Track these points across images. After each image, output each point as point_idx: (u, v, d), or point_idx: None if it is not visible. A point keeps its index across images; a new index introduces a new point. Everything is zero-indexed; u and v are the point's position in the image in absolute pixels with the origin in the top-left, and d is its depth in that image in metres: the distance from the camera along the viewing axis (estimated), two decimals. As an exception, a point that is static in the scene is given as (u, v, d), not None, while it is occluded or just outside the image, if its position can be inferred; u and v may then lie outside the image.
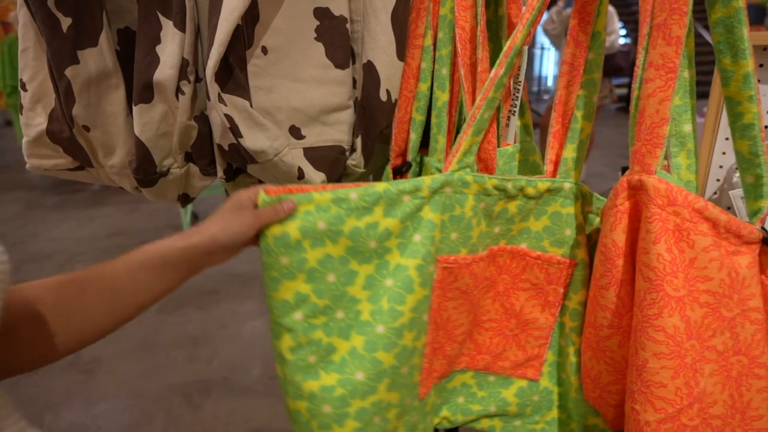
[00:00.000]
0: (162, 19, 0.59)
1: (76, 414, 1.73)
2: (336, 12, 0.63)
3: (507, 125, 0.67)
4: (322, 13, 0.63)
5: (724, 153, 0.81)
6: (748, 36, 0.47)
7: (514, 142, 0.69)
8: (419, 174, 0.70)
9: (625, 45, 3.83)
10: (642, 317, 0.48)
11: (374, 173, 0.83)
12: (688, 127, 0.56)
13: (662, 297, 0.46)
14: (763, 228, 0.49)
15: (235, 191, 0.55)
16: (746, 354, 0.48)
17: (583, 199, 0.59)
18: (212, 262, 0.50)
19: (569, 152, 0.60)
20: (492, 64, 0.58)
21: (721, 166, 0.81)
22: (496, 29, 0.68)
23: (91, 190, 4.34)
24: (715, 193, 0.83)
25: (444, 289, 0.58)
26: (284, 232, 0.50)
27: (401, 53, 0.66)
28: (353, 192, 0.51)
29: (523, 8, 0.70)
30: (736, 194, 0.72)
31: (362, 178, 0.73)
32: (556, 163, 0.62)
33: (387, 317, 0.54)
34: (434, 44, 0.65)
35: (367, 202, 0.52)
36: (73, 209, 3.92)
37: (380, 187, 0.52)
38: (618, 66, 3.53)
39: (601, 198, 0.59)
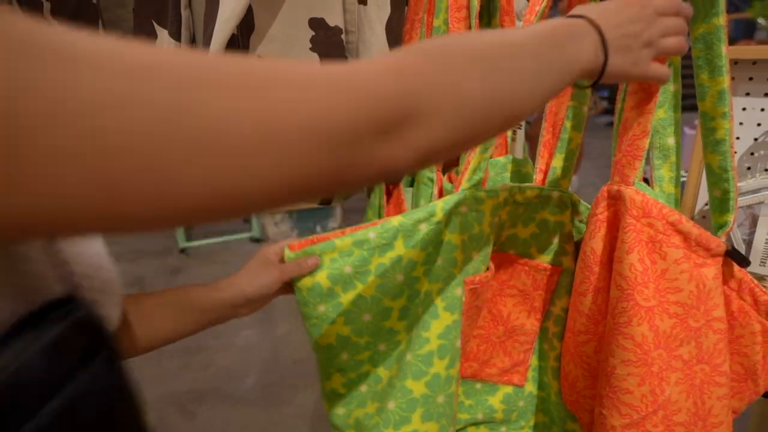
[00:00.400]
0: (157, 27, 0.60)
1: (68, 423, 1.72)
2: (331, 23, 0.64)
3: (514, 139, 0.68)
4: (317, 24, 0.64)
5: (715, 164, 0.81)
6: (726, 53, 0.48)
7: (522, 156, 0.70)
8: (412, 183, 0.71)
9: None
10: (613, 324, 0.48)
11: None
12: (672, 141, 0.57)
13: (632, 306, 0.47)
14: (727, 240, 0.50)
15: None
16: (708, 363, 0.49)
17: (572, 207, 0.60)
18: (239, 314, 0.53)
19: (558, 161, 0.61)
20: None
21: (712, 177, 0.82)
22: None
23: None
24: (706, 204, 0.84)
25: (469, 311, 0.58)
26: (315, 283, 0.52)
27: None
28: (371, 232, 0.52)
29: (517, 22, 0.71)
30: (727, 205, 0.73)
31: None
32: (546, 172, 0.62)
33: (414, 345, 0.54)
34: (428, 55, 0.66)
35: (385, 238, 0.52)
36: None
37: (395, 221, 0.53)
38: None
39: (590, 207, 0.60)
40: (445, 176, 0.69)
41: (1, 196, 0.16)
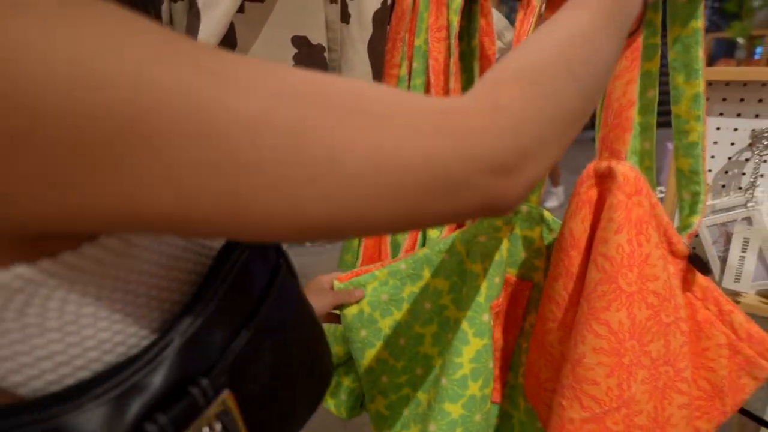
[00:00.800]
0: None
1: None
2: (314, 41, 0.65)
3: None
4: (299, 42, 0.64)
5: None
6: (703, 57, 0.48)
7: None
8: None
9: None
10: (588, 309, 0.46)
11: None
12: (647, 145, 0.57)
13: (614, 290, 0.44)
14: (690, 246, 0.50)
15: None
16: (673, 365, 0.47)
17: (544, 223, 0.60)
18: None
19: None
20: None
21: (688, 195, 0.84)
22: (469, 60, 0.70)
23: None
24: (683, 220, 0.86)
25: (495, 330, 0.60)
26: (360, 310, 0.59)
27: (378, 81, 0.68)
28: (403, 263, 0.58)
29: (498, 42, 0.73)
30: (703, 222, 0.74)
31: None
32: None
33: (448, 370, 0.56)
34: (409, 74, 0.67)
35: (414, 268, 0.58)
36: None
37: (422, 252, 0.58)
38: None
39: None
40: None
41: (158, 196, 0.17)
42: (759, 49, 3.70)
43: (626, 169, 0.44)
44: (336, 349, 0.70)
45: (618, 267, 0.44)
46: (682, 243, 0.48)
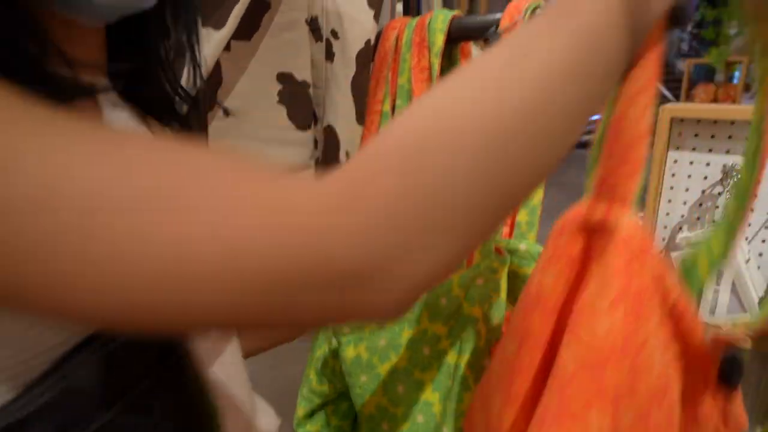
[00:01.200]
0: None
1: None
2: (299, 77, 0.66)
3: None
4: (285, 78, 0.66)
5: (668, 214, 0.85)
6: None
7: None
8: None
9: None
10: (560, 408, 0.34)
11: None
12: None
13: (597, 390, 0.33)
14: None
15: None
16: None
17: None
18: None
19: (522, 216, 0.63)
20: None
21: (665, 226, 0.86)
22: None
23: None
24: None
25: None
26: (357, 354, 0.58)
27: (360, 118, 0.69)
28: None
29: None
30: (677, 256, 0.76)
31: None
32: (512, 226, 0.64)
33: (449, 418, 0.55)
34: (392, 110, 0.68)
35: (413, 312, 0.56)
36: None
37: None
38: None
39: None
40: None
41: None
42: (736, 74, 3.82)
43: (632, 223, 0.33)
44: (322, 387, 0.69)
45: (605, 359, 0.33)
46: (700, 331, 0.35)
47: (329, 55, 0.68)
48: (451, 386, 0.56)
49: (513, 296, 0.61)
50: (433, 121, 0.20)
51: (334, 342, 0.63)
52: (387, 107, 0.69)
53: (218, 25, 0.58)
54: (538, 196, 0.63)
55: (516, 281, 0.60)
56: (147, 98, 0.33)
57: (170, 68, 0.34)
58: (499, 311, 0.56)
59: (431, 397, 0.58)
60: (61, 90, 0.24)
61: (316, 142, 0.70)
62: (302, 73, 0.67)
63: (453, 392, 0.55)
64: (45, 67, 0.23)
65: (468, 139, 0.20)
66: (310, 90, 0.67)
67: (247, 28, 0.62)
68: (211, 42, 0.58)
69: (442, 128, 0.20)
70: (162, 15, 0.33)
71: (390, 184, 0.19)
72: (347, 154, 0.69)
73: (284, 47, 0.65)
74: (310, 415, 0.72)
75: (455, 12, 0.64)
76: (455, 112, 0.20)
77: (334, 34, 0.68)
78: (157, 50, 0.33)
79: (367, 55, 0.68)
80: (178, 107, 0.36)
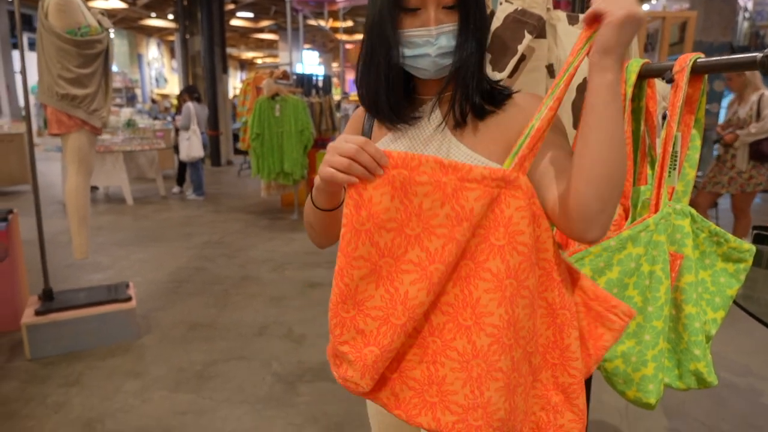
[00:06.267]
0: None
1: (286, 366, 2.37)
2: (538, 100, 1.11)
3: (669, 174, 1.03)
4: (529, 100, 1.11)
5: None
6: None
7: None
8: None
9: None
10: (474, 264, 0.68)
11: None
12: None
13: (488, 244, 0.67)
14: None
15: None
16: (549, 301, 0.72)
17: (690, 216, 0.94)
18: None
19: (679, 186, 0.97)
20: (634, 138, 0.99)
21: None
22: (638, 114, 1.08)
23: (290, 219, 5.38)
24: None
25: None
26: (589, 276, 0.89)
27: (576, 125, 1.11)
28: (612, 240, 0.89)
29: (662, 102, 1.10)
30: None
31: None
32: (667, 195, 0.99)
33: (650, 301, 0.89)
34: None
35: (620, 243, 0.89)
36: (279, 231, 4.92)
37: (626, 232, 0.89)
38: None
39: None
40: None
41: None
42: None
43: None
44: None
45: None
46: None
47: (559, 87, 1.12)
48: (647, 285, 0.91)
49: (672, 238, 0.96)
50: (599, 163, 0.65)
51: None
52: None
53: (501, 69, 1.06)
54: (692, 174, 0.97)
55: (673, 229, 0.95)
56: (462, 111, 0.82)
57: (476, 78, 0.80)
58: (673, 237, 0.93)
59: (632, 292, 0.92)
60: (408, 112, 0.79)
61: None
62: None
63: (651, 287, 0.90)
64: (404, 101, 0.79)
65: (615, 168, 0.64)
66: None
67: (513, 72, 1.10)
68: (496, 78, 1.07)
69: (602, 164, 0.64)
70: (465, 53, 0.78)
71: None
72: (564, 147, 1.12)
73: (531, 82, 1.11)
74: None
75: (645, 60, 1.02)
76: (602, 158, 0.64)
77: (564, 74, 1.11)
78: (460, 70, 0.80)
79: (584, 86, 1.10)
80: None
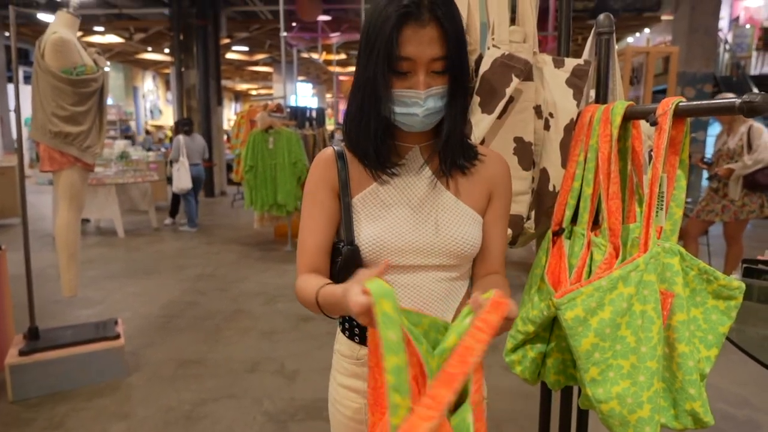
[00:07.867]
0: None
1: (278, 404, 2.31)
2: (526, 140, 1.13)
3: (657, 214, 1.05)
4: (518, 140, 1.13)
5: None
6: None
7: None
8: (570, 236, 1.13)
9: None
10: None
11: (541, 235, 1.27)
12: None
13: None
14: None
15: None
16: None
17: (679, 255, 0.95)
18: None
19: (667, 226, 0.98)
20: (622, 177, 1.01)
21: None
22: (624, 154, 1.11)
23: (284, 250, 5.35)
24: None
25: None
26: (575, 315, 0.91)
27: (564, 164, 1.12)
28: (603, 280, 0.91)
29: (646, 141, 1.12)
30: None
31: (533, 237, 1.18)
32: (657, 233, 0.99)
33: (643, 341, 0.90)
34: (585, 161, 1.10)
35: (611, 283, 0.91)
36: (272, 262, 4.89)
37: (616, 273, 0.91)
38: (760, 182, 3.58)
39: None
40: (592, 232, 1.10)
41: None
42: None
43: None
44: (527, 327, 1.10)
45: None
46: None
47: (546, 127, 1.14)
48: (641, 324, 0.91)
49: (662, 276, 0.96)
50: None
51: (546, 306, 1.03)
52: (581, 158, 1.11)
53: (489, 111, 1.09)
54: (679, 214, 0.98)
55: (663, 268, 0.96)
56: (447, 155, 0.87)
57: (460, 140, 0.86)
58: (663, 276, 0.94)
59: (625, 332, 0.93)
60: (394, 160, 0.86)
61: (533, 178, 1.16)
62: (528, 137, 1.13)
63: (644, 326, 0.91)
64: (389, 148, 0.87)
65: None
66: (533, 147, 1.14)
67: (502, 113, 1.12)
68: (485, 121, 1.09)
69: None
70: (453, 115, 0.84)
71: None
72: (554, 186, 1.13)
73: (519, 123, 1.13)
74: (514, 349, 1.13)
75: (630, 102, 1.04)
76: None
77: (551, 114, 1.14)
78: (449, 134, 0.85)
79: (571, 126, 1.12)
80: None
